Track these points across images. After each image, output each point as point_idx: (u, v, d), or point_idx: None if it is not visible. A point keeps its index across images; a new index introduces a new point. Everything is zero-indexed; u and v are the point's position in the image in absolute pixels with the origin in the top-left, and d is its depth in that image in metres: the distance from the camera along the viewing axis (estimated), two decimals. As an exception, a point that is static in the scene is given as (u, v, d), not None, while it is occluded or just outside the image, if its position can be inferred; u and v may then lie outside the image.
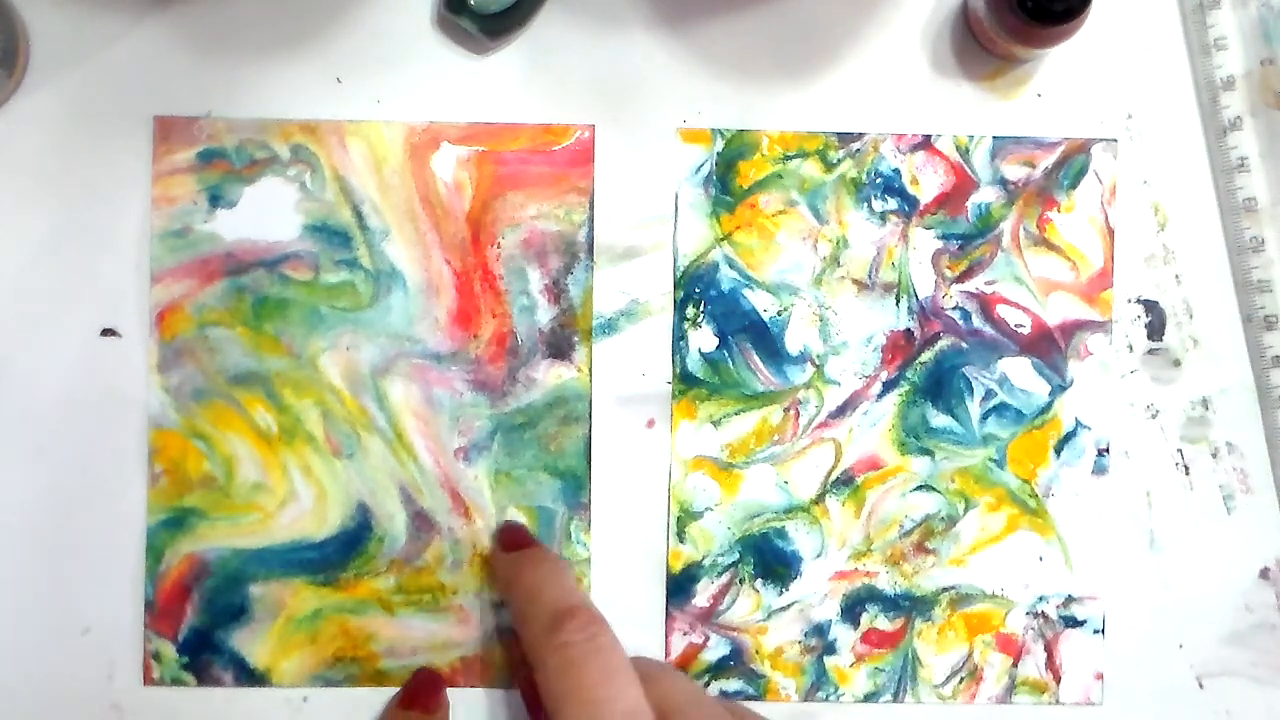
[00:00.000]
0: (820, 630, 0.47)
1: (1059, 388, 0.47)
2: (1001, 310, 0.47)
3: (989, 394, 0.47)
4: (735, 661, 0.46)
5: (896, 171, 0.47)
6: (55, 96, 0.46)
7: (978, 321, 0.47)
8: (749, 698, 0.46)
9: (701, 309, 0.47)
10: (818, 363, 0.47)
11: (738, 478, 0.47)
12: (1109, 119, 0.47)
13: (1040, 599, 0.47)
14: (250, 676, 0.46)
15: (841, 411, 0.47)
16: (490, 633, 0.46)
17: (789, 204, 0.47)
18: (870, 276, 0.47)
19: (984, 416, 0.47)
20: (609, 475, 0.46)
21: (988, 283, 0.47)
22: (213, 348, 0.46)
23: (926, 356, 0.47)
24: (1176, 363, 0.47)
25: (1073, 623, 0.47)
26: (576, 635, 0.37)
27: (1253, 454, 0.47)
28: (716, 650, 0.46)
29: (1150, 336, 0.47)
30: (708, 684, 0.46)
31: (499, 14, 0.45)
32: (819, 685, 0.47)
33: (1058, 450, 0.47)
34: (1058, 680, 0.47)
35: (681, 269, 0.47)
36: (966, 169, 0.47)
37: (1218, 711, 0.47)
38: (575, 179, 0.47)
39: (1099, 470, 0.47)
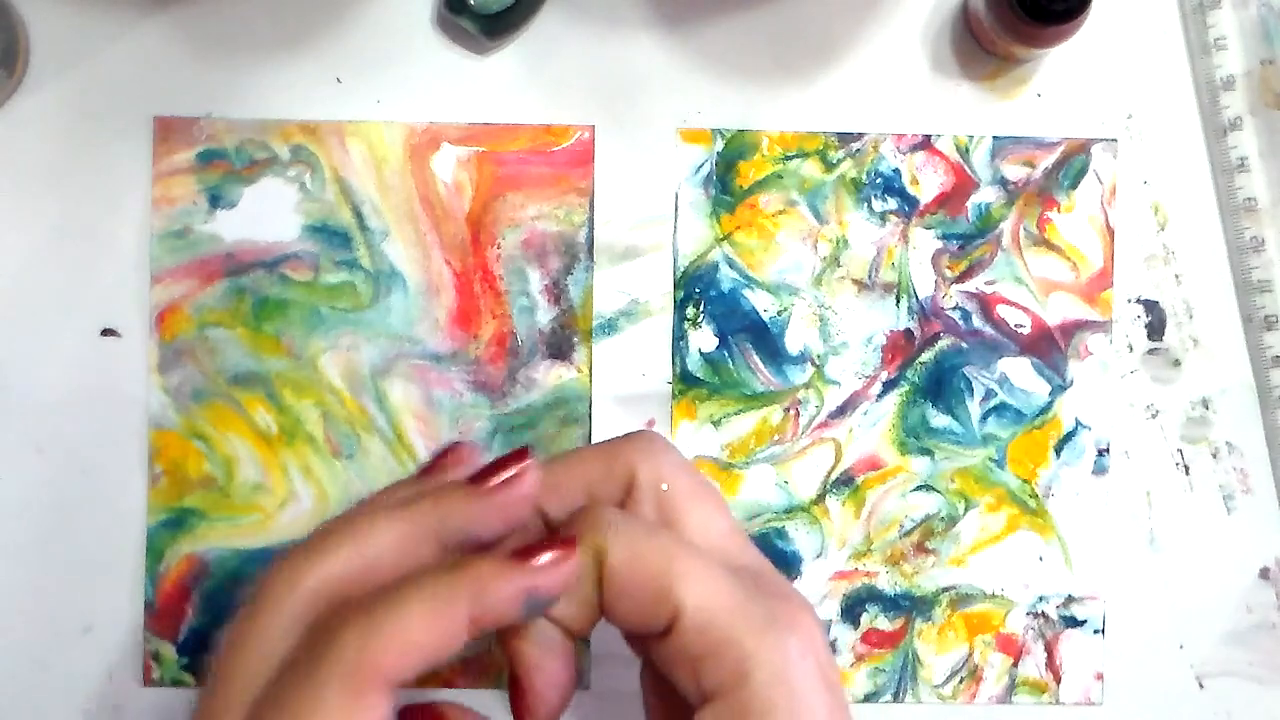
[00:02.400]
0: (820, 630, 0.47)
1: (1059, 388, 0.47)
2: (1001, 310, 0.47)
3: (989, 394, 0.47)
4: (735, 661, 0.46)
5: (896, 171, 0.47)
6: (55, 96, 0.46)
7: (978, 321, 0.47)
8: (749, 698, 0.46)
9: (701, 309, 0.47)
10: (818, 363, 0.47)
11: (738, 478, 0.47)
12: (1109, 119, 0.47)
13: (1040, 599, 0.47)
14: (250, 677, 0.46)
15: (841, 411, 0.47)
16: (489, 633, 0.46)
17: (789, 204, 0.47)
18: (870, 276, 0.47)
19: (984, 416, 0.47)
20: (609, 475, 0.46)
21: (988, 283, 0.47)
22: (213, 348, 0.46)
23: (926, 356, 0.47)
24: (1176, 363, 0.47)
25: (1073, 623, 0.47)
26: None
27: (1253, 454, 0.47)
28: (716, 650, 0.46)
29: (1150, 336, 0.47)
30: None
31: (499, 14, 0.45)
32: (819, 685, 0.46)
33: (1058, 450, 0.47)
34: (1058, 680, 0.47)
35: (681, 269, 0.47)
36: (966, 169, 0.47)
37: (1218, 711, 0.47)
38: (575, 179, 0.47)
39: (1099, 470, 0.47)
